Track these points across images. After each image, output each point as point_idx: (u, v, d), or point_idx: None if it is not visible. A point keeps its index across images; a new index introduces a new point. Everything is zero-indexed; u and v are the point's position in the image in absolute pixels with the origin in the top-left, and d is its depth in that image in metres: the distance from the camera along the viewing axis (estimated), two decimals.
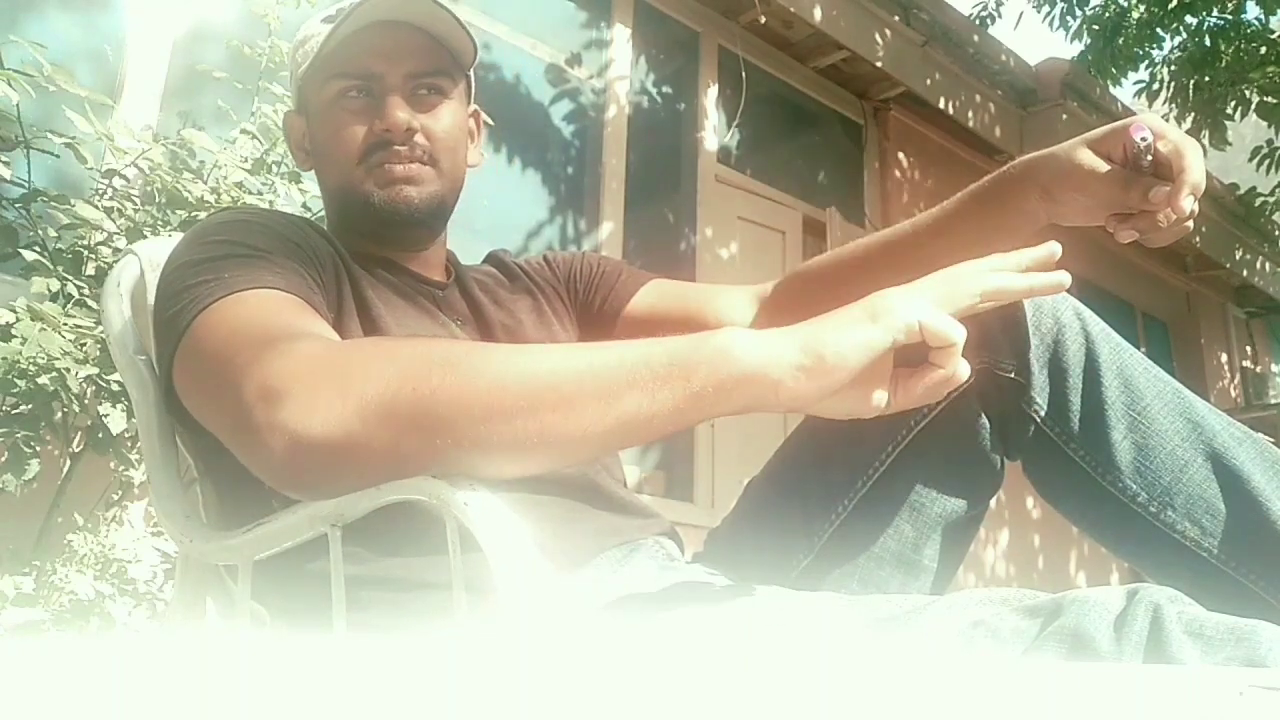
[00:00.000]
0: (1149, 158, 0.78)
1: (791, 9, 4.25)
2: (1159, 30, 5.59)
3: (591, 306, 1.08)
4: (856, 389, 0.64)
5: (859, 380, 0.64)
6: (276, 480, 0.66)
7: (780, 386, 0.61)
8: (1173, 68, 5.77)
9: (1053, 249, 0.70)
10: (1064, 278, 0.69)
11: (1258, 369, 8.03)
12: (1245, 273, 7.36)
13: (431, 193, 0.93)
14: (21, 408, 1.75)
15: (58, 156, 1.99)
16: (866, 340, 0.63)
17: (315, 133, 0.97)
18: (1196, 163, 0.77)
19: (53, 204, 1.95)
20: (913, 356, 0.67)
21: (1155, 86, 5.88)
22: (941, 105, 4.95)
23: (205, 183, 2.08)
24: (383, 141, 0.91)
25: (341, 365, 0.64)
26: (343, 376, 0.62)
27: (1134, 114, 6.52)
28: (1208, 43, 5.55)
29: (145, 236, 1.96)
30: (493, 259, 1.12)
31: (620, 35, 4.16)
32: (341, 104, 0.92)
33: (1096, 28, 5.77)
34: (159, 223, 2.04)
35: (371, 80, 0.92)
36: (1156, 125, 0.78)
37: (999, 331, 0.88)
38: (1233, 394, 7.56)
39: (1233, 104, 5.58)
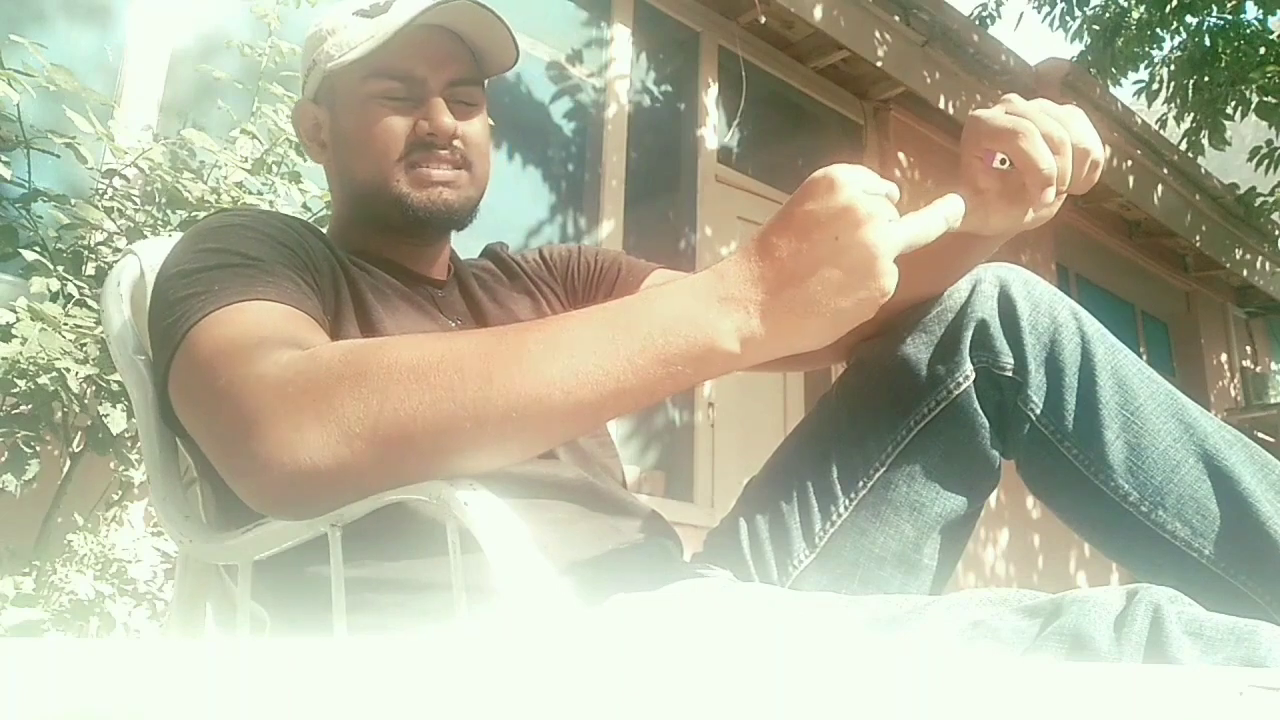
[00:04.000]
0: (1011, 165, 0.79)
1: (791, 9, 4.25)
2: (1159, 30, 5.60)
3: (592, 302, 1.08)
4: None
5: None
6: (267, 511, 0.67)
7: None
8: (1172, 68, 5.78)
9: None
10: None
11: (1258, 369, 8.03)
12: (1245, 273, 7.36)
13: (467, 196, 0.96)
14: (21, 408, 1.75)
15: (58, 156, 1.99)
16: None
17: (343, 126, 0.96)
18: (1039, 153, 0.76)
19: (53, 204, 1.95)
20: None
21: (1155, 86, 5.89)
22: (941, 105, 4.95)
23: (205, 183, 2.08)
24: (425, 143, 0.92)
25: (320, 386, 0.63)
26: (322, 400, 0.62)
27: (1133, 113, 6.45)
28: (1207, 43, 5.56)
29: (145, 236, 1.97)
30: (490, 253, 1.12)
31: (620, 34, 4.16)
32: (382, 101, 0.93)
33: (1096, 28, 5.79)
34: (159, 223, 2.04)
35: (414, 83, 0.93)
36: (1001, 128, 0.78)
37: (996, 330, 0.88)
38: (1233, 394, 7.56)
39: (1232, 104, 5.59)
